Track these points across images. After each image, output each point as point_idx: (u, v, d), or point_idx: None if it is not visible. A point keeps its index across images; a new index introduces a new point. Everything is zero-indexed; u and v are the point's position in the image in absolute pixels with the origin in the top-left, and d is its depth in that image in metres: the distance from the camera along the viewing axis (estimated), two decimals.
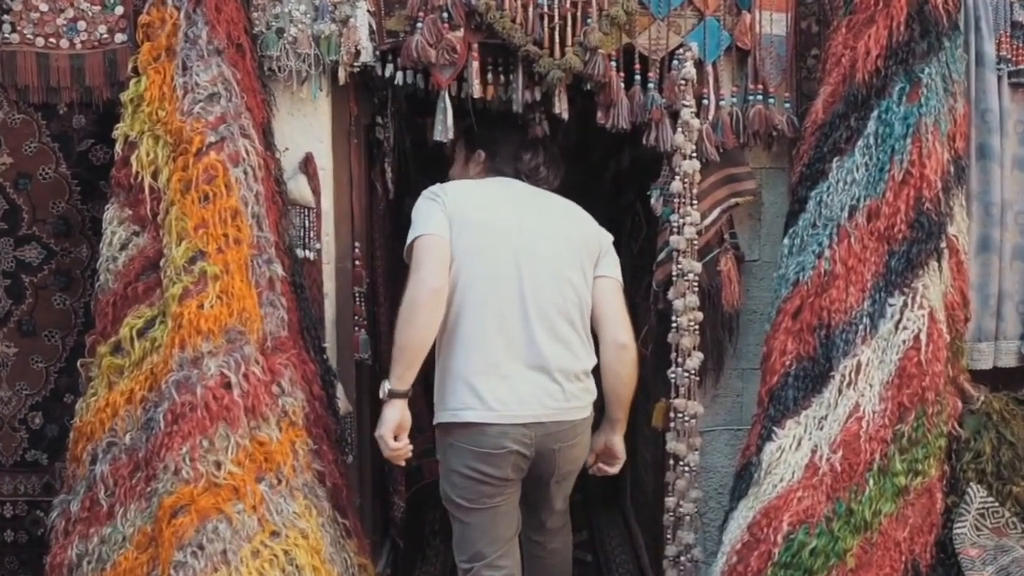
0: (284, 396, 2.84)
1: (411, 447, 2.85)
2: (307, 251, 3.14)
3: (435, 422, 2.93)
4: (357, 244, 3.28)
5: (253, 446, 2.72)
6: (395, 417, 2.79)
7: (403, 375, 2.78)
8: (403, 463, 2.93)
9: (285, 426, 2.82)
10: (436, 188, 2.92)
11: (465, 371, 2.83)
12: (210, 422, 2.66)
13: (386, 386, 2.81)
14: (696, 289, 3.09)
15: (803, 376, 2.90)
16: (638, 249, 4.17)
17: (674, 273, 3.11)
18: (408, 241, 2.84)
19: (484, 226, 2.85)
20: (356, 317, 3.28)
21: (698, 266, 3.09)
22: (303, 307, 3.05)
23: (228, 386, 2.70)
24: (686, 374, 3.12)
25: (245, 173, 2.86)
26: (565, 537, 3.22)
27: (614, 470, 3.17)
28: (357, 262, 3.28)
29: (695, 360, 3.11)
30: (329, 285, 3.21)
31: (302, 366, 2.98)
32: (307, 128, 3.14)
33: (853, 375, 2.81)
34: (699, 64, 3.08)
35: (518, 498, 2.98)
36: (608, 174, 4.84)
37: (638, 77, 3.10)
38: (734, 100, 3.14)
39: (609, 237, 3.07)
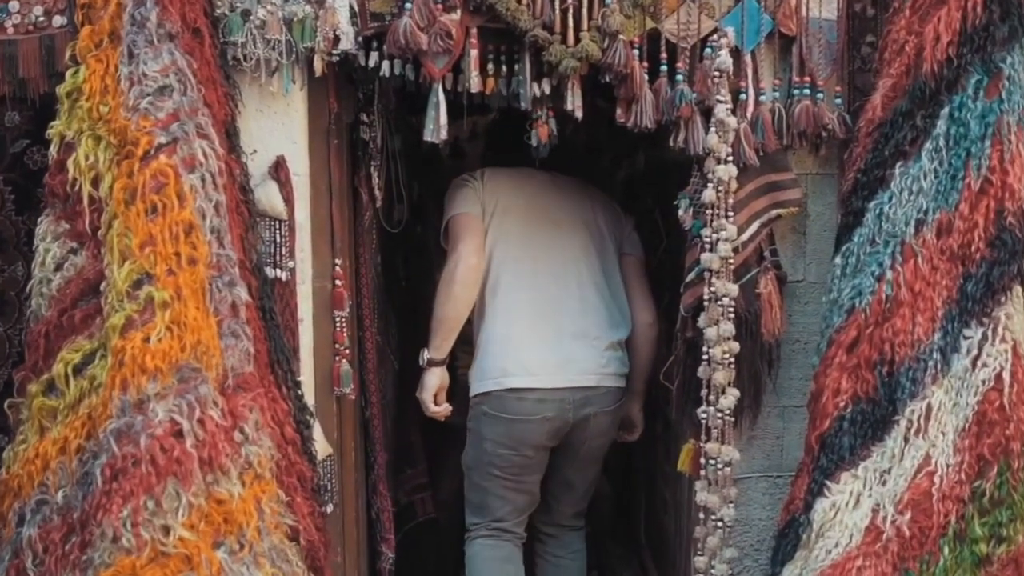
0: (248, 444, 2.42)
1: (450, 408, 3.13)
2: (278, 270, 2.71)
3: (473, 393, 3.13)
4: (338, 261, 2.85)
5: (210, 506, 2.31)
6: (435, 382, 3.07)
7: (441, 345, 3.06)
8: (444, 419, 3.16)
9: (249, 480, 2.40)
10: (467, 174, 3.23)
11: (506, 340, 3.06)
12: (157, 479, 2.25)
13: (425, 355, 3.07)
14: (731, 316, 2.65)
15: (861, 421, 2.49)
16: (656, 264, 3.74)
17: (706, 297, 2.67)
18: (443, 222, 3.14)
19: (517, 205, 3.12)
20: (337, 345, 2.86)
21: (734, 289, 2.65)
22: (273, 336, 2.63)
23: (179, 434, 2.28)
24: (719, 414, 2.68)
25: (202, 180, 2.44)
26: (580, 562, 3.42)
27: (633, 437, 3.44)
28: (338, 282, 2.85)
29: (730, 399, 2.68)
30: (305, 309, 2.78)
31: (272, 406, 2.58)
32: (278, 127, 2.71)
33: (922, 421, 2.39)
34: (736, 52, 2.65)
35: (542, 475, 3.17)
36: (620, 177, 4.40)
37: (665, 68, 2.66)
38: (776, 95, 2.71)
39: (631, 219, 3.37)
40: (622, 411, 3.24)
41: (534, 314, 3.07)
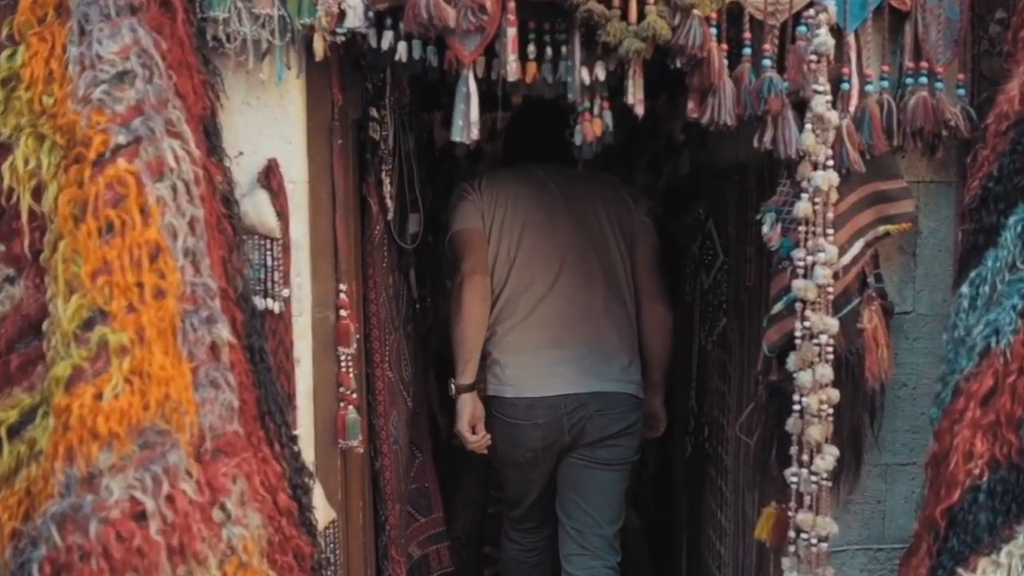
0: (231, 524, 1.93)
1: (489, 437, 3.07)
2: (270, 300, 2.22)
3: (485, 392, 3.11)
4: (343, 287, 2.35)
5: None
6: (468, 410, 3.01)
7: (465, 369, 3.00)
8: (486, 451, 3.12)
9: (232, 570, 1.92)
10: (466, 184, 3.17)
11: (502, 350, 3.05)
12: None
13: (453, 384, 3.04)
14: (830, 357, 2.15)
15: (1002, 492, 1.98)
16: (710, 283, 3.24)
17: (798, 333, 2.16)
18: (447, 235, 3.12)
19: (516, 213, 3.06)
20: (342, 389, 2.36)
21: (834, 324, 2.15)
22: (263, 382, 2.14)
23: (141, 517, 1.80)
24: (814, 478, 2.18)
25: (173, 190, 1.95)
26: None
27: (656, 433, 3.35)
28: (343, 312, 2.34)
29: (828, 460, 2.17)
30: (303, 347, 2.29)
31: (262, 469, 2.09)
32: (270, 123, 2.21)
33: None
34: (837, 32, 2.14)
35: (549, 469, 3.14)
36: (661, 183, 3.90)
37: (748, 50, 2.15)
38: (885, 84, 2.20)
39: (645, 202, 3.28)
40: (632, 416, 3.11)
41: (531, 325, 3.04)
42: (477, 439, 3.03)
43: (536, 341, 3.02)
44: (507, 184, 3.12)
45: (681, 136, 3.67)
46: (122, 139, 1.89)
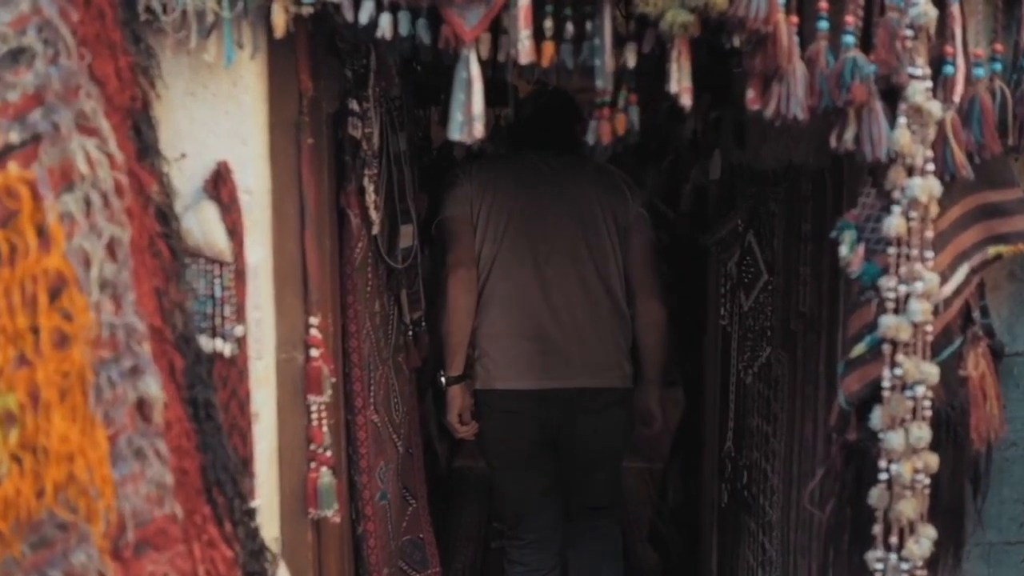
0: None
1: (476, 426, 3.10)
2: (219, 340, 1.76)
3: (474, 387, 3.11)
4: (314, 320, 1.89)
5: None
6: (458, 402, 3.05)
7: (453, 362, 3.02)
8: (473, 437, 3.16)
9: None
10: (458, 170, 3.15)
11: (490, 342, 3.03)
12: None
13: (441, 376, 3.06)
14: (927, 413, 1.69)
15: None
16: (750, 305, 2.79)
17: (886, 383, 1.71)
18: (434, 221, 3.06)
19: (507, 201, 3.00)
20: (313, 446, 1.91)
21: (934, 372, 1.69)
22: (210, 445, 1.69)
23: None
24: (905, 565, 1.72)
25: (86, 203, 1.51)
26: (605, 543, 3.27)
27: (651, 429, 3.29)
28: (314, 351, 1.89)
29: (924, 544, 1.71)
30: (263, 397, 1.84)
31: (206, 556, 1.67)
32: (220, 118, 1.75)
33: None
34: (938, 1, 1.69)
35: (546, 466, 3.14)
36: (688, 188, 3.46)
37: (824, 24, 1.69)
38: (998, 67, 1.75)
39: (640, 194, 3.19)
40: (620, 411, 3.11)
41: (518, 316, 3.01)
42: (467, 429, 3.09)
43: (520, 330, 3.00)
44: (498, 171, 3.10)
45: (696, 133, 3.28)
46: (14, 137, 1.44)
